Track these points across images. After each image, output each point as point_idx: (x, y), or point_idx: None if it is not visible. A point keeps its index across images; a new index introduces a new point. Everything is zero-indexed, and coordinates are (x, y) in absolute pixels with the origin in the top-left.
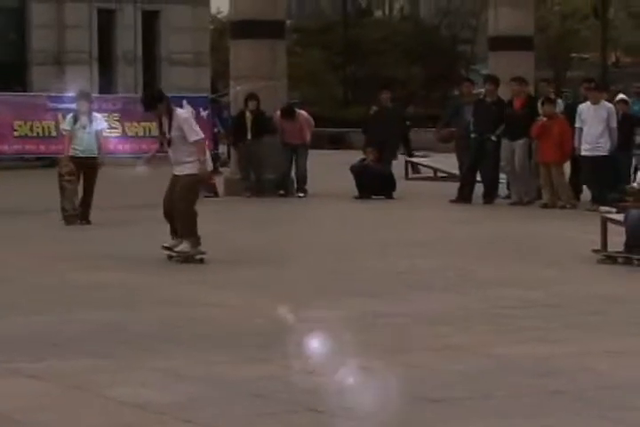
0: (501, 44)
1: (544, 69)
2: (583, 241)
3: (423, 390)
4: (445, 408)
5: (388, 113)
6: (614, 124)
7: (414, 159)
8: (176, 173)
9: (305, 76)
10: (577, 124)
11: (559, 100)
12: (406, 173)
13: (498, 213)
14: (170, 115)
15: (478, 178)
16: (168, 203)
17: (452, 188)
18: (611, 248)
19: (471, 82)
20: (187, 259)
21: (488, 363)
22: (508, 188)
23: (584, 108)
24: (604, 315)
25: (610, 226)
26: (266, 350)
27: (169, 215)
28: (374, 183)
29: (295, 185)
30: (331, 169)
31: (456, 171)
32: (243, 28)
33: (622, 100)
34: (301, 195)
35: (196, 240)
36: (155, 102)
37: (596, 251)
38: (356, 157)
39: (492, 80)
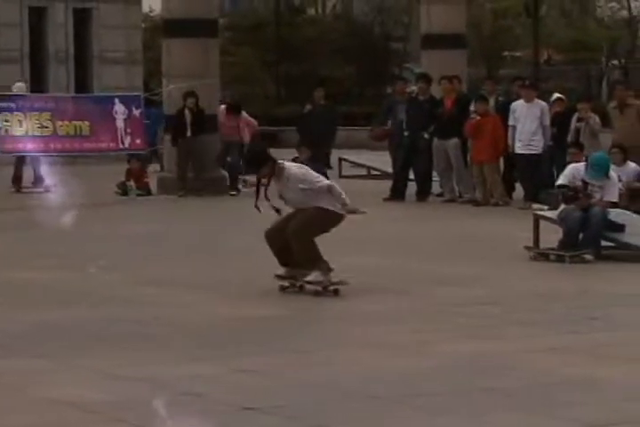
0: (434, 42)
1: (477, 67)
2: (516, 238)
3: (362, 388)
4: (384, 406)
5: (321, 111)
6: (547, 121)
7: (348, 157)
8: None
9: (238, 75)
10: (510, 122)
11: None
12: (340, 171)
13: (431, 210)
14: (278, 176)
15: (411, 176)
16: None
17: (386, 186)
18: (542, 245)
19: (404, 80)
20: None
21: (429, 361)
22: (441, 185)
23: (517, 105)
24: (541, 312)
25: (542, 223)
26: (202, 348)
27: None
28: None
29: (228, 183)
30: None
31: (389, 169)
32: (175, 27)
33: (559, 99)
34: (234, 193)
35: (325, 266)
36: (259, 164)
37: (528, 248)
38: (289, 155)
39: (425, 78)
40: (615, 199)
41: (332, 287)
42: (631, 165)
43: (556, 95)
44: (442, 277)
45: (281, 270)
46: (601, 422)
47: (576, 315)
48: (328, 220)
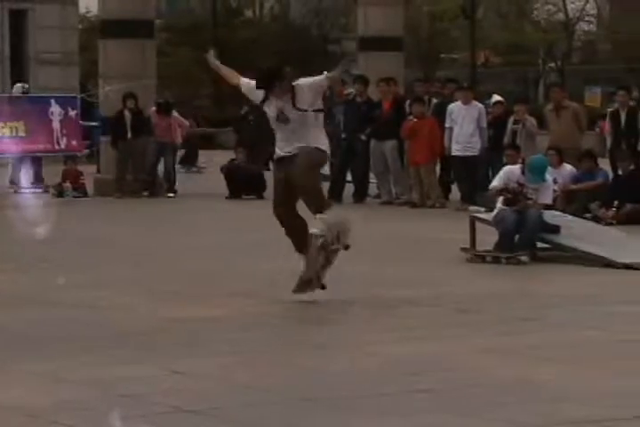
0: (371, 44)
1: (414, 70)
2: (452, 240)
3: (300, 390)
4: (321, 408)
5: (258, 113)
6: (484, 124)
7: None
8: (289, 154)
9: (175, 76)
10: (447, 124)
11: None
12: None
13: (368, 212)
14: (292, 93)
15: (349, 178)
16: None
17: (324, 187)
18: (479, 247)
19: (342, 82)
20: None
21: (366, 362)
22: (378, 187)
23: (454, 107)
24: (477, 313)
25: (478, 225)
26: (142, 350)
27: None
28: (245, 183)
29: (165, 185)
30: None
31: (327, 171)
32: (112, 28)
33: (499, 102)
34: (171, 195)
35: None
36: (273, 80)
37: (464, 249)
38: (227, 156)
39: (362, 80)
40: (550, 201)
41: (334, 246)
42: (567, 167)
43: (496, 98)
44: (378, 278)
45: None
46: (533, 423)
47: (511, 316)
48: (321, 161)
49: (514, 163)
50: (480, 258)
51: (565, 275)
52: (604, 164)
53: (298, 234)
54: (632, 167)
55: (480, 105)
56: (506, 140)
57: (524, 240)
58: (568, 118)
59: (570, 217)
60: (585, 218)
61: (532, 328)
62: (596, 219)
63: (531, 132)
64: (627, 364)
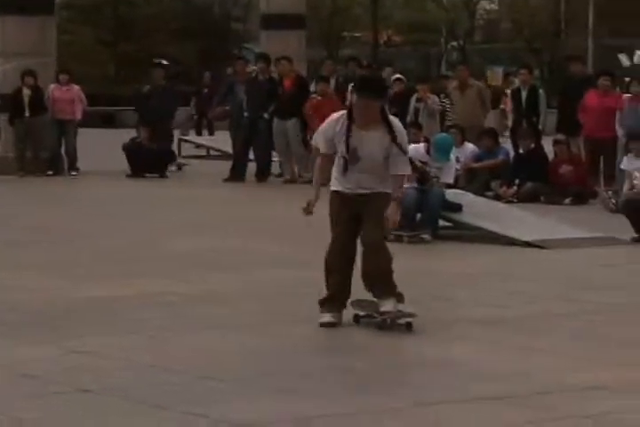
0: (273, 22)
1: (316, 48)
2: None
3: (202, 369)
4: (225, 386)
5: (160, 91)
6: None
7: (188, 137)
8: (361, 192)
9: (76, 54)
10: (349, 103)
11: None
12: (179, 152)
13: (271, 191)
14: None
15: (251, 156)
16: (351, 238)
17: (226, 166)
18: None
19: (244, 60)
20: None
21: (271, 342)
22: (281, 166)
23: None
24: None
25: None
26: (41, 330)
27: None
28: (147, 162)
29: (66, 164)
30: (103, 148)
31: (230, 149)
32: (11, 4)
33: (398, 79)
34: (74, 173)
35: (400, 293)
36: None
37: None
38: (128, 135)
39: (264, 58)
40: (451, 181)
41: (402, 320)
42: (469, 145)
43: (396, 75)
44: (280, 258)
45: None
46: (445, 399)
47: (417, 295)
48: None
49: (417, 141)
50: None
51: (468, 253)
52: (506, 142)
53: None
54: (533, 146)
55: None
56: (408, 118)
57: (426, 219)
58: (472, 97)
59: (471, 195)
60: (486, 196)
61: (438, 306)
62: (497, 197)
63: (432, 110)
64: (531, 341)
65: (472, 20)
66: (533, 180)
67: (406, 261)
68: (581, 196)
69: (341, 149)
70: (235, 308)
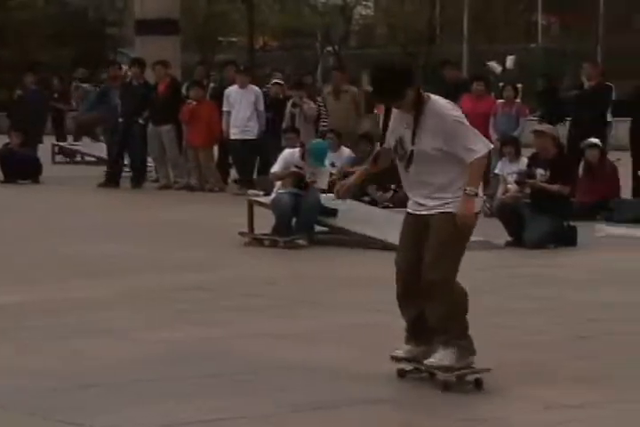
0: (147, 27)
1: (192, 53)
2: (231, 224)
3: (78, 376)
4: (100, 393)
5: (32, 96)
6: (262, 107)
7: (62, 143)
8: (420, 212)
9: None
10: (225, 108)
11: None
12: (53, 157)
13: (147, 196)
14: (419, 108)
15: (127, 162)
16: (410, 268)
17: (101, 172)
18: (258, 231)
19: (119, 65)
20: (449, 383)
21: (142, 347)
22: (156, 171)
23: (232, 91)
24: (255, 297)
25: (257, 209)
26: None
27: (411, 296)
28: (20, 167)
29: None
30: None
31: (104, 155)
32: None
33: (277, 83)
34: None
35: (468, 344)
36: (404, 86)
37: (242, 233)
38: (2, 141)
39: (139, 63)
40: (325, 186)
41: (471, 377)
42: (345, 150)
43: (275, 80)
44: (156, 263)
45: (400, 349)
46: (311, 404)
47: (291, 299)
48: (468, 233)
49: (293, 146)
50: (258, 242)
51: (344, 258)
52: None
53: None
54: None
55: (257, 88)
56: (285, 123)
57: (302, 224)
58: (347, 102)
59: (347, 200)
60: (362, 201)
61: (311, 312)
62: (374, 202)
63: (308, 115)
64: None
65: (347, 25)
66: None
67: (281, 266)
68: None
69: None
70: (109, 313)
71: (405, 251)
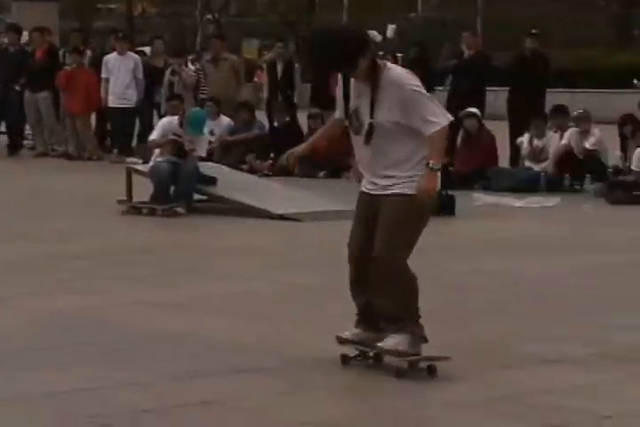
0: None
1: (70, 20)
2: (109, 193)
3: None
4: None
5: None
6: (141, 75)
7: None
8: (372, 192)
9: None
10: (103, 75)
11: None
12: None
13: (23, 164)
14: (375, 78)
15: (4, 129)
16: (362, 251)
17: None
18: (136, 199)
19: None
20: (401, 369)
21: (19, 316)
22: (33, 139)
23: (110, 58)
24: (133, 266)
25: (136, 177)
26: None
27: (363, 281)
28: None
29: None
30: None
31: None
32: None
33: (139, 52)
34: None
35: (420, 331)
36: (356, 55)
37: (120, 201)
38: None
39: (15, 29)
40: (204, 154)
41: (424, 363)
42: (224, 118)
43: (146, 49)
44: (34, 232)
45: (347, 331)
46: (186, 373)
47: (171, 268)
48: (426, 211)
49: (175, 113)
50: (136, 210)
51: (223, 226)
52: (261, 115)
53: None
54: (288, 119)
55: (136, 56)
56: (163, 91)
57: (180, 192)
58: (226, 70)
59: (226, 169)
60: (241, 169)
61: (191, 280)
62: (252, 170)
63: (187, 83)
64: (295, 313)
65: None
66: None
67: (160, 235)
68: (336, 170)
69: None
70: None
71: (358, 235)
